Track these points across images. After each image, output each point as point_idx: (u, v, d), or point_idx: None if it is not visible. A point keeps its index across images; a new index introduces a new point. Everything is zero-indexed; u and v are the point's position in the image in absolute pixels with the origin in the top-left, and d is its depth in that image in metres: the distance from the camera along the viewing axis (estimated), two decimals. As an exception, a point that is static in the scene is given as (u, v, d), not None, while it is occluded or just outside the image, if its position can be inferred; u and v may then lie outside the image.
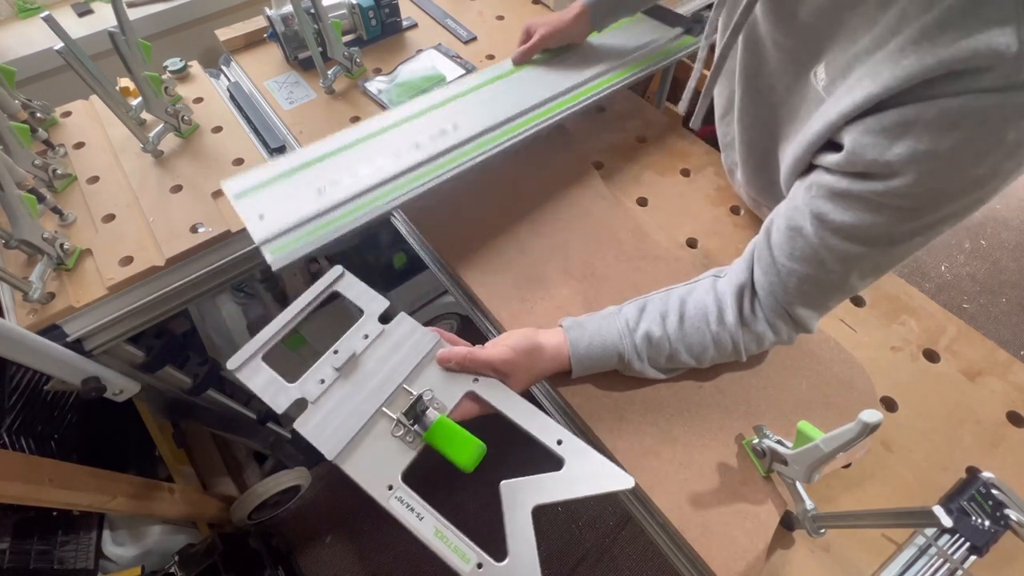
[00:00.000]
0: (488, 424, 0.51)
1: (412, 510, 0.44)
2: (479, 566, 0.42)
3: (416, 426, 0.48)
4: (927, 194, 0.39)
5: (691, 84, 0.68)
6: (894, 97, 0.38)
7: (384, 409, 0.49)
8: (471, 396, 0.51)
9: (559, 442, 0.47)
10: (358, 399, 0.50)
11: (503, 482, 0.45)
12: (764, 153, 0.58)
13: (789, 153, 0.49)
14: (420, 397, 0.48)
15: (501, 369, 0.51)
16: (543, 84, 0.77)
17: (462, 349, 0.52)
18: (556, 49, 0.82)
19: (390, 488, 0.45)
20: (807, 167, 0.48)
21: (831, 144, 0.44)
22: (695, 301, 0.54)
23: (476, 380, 0.51)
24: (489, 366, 0.51)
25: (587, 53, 0.82)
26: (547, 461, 0.47)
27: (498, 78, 0.78)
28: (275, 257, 0.59)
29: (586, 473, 0.46)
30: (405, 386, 0.51)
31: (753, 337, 0.53)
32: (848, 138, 0.41)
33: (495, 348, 0.52)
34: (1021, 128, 0.35)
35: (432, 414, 0.48)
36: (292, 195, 0.64)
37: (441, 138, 0.69)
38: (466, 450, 0.45)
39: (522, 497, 0.44)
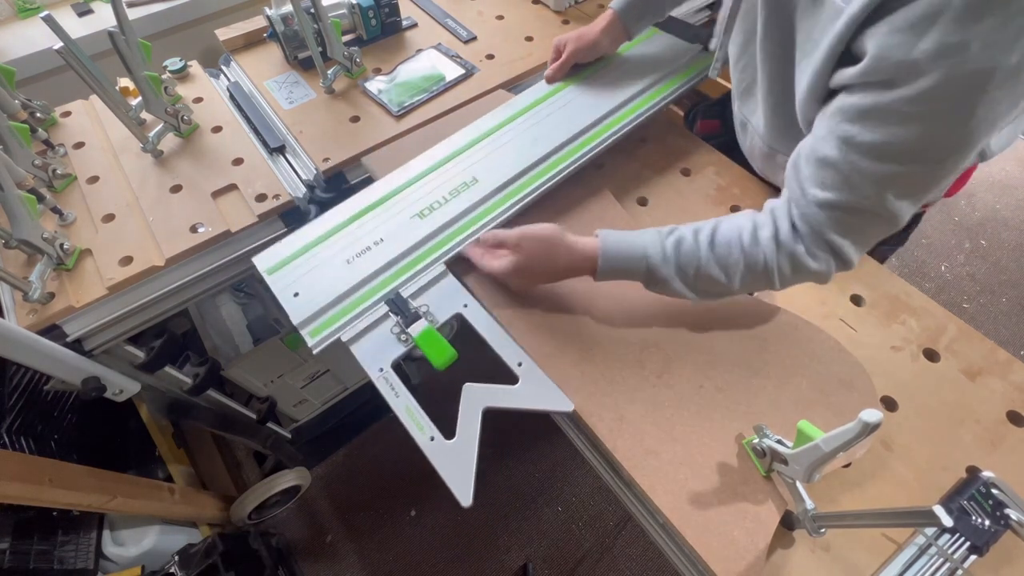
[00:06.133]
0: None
1: (392, 388, 0.56)
2: (431, 438, 0.53)
3: (410, 329, 0.60)
4: (957, 93, 0.38)
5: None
6: None
7: (390, 313, 0.61)
8: (457, 316, 0.62)
9: (519, 364, 0.58)
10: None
11: (466, 384, 0.56)
12: (784, 82, 0.57)
13: (807, 70, 0.48)
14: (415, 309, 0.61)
15: (522, 245, 0.58)
16: (572, 118, 0.76)
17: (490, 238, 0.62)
18: (588, 66, 0.81)
19: (380, 370, 0.57)
20: (827, 93, 0.46)
21: (850, 59, 0.42)
22: (730, 222, 0.54)
23: (466, 306, 0.62)
24: (513, 239, 0.59)
25: (616, 73, 0.81)
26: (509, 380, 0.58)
27: (532, 106, 0.78)
28: (316, 340, 0.59)
29: (534, 392, 0.57)
30: (410, 301, 0.62)
31: (788, 258, 0.51)
32: (872, 42, 0.40)
33: (519, 227, 0.59)
34: None
35: (422, 323, 0.60)
36: (322, 267, 0.64)
37: (475, 188, 0.70)
38: (442, 354, 0.57)
39: (478, 398, 0.55)
